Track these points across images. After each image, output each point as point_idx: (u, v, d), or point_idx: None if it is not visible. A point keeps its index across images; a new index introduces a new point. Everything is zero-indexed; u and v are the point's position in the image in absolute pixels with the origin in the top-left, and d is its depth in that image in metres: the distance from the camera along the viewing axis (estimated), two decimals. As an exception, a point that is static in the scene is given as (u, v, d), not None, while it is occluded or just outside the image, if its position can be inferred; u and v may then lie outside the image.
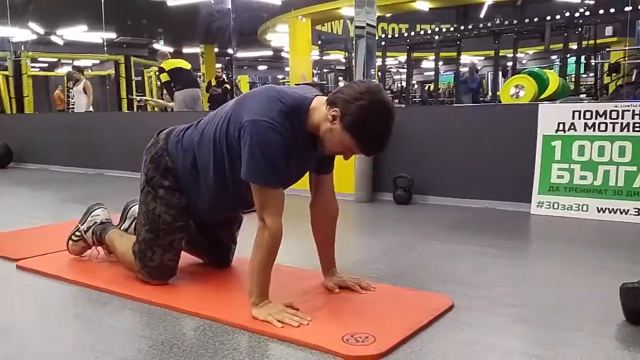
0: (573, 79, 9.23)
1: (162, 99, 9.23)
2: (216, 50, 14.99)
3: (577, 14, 8.12)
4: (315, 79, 10.36)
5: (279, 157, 1.82)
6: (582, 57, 9.03)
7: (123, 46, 15.62)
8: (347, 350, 1.60)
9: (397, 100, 10.43)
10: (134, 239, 2.32)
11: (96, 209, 2.63)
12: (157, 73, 11.36)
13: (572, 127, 3.70)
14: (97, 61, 15.22)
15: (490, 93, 10.96)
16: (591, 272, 2.48)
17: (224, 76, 11.59)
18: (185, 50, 15.48)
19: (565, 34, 8.16)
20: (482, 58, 17.13)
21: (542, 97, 6.41)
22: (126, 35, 15.66)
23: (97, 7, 11.40)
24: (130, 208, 2.60)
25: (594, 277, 2.41)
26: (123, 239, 2.44)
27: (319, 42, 9.84)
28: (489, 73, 14.01)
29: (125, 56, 11.32)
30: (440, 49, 8.93)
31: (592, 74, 10.90)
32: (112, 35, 14.89)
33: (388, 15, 12.36)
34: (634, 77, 9.94)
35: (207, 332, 1.78)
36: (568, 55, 8.75)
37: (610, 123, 3.58)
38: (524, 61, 16.36)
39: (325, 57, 11.37)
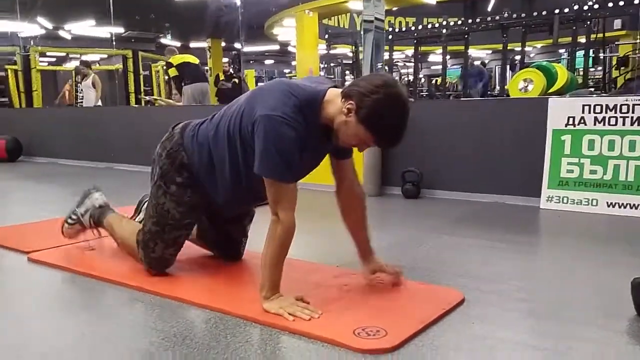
0: (581, 73, 9.16)
1: (171, 93, 9.24)
2: (223, 44, 15.00)
3: (585, 7, 8.06)
4: (322, 74, 10.33)
5: (293, 151, 1.82)
6: (591, 51, 8.96)
7: (131, 41, 15.66)
8: (359, 343, 1.61)
9: (404, 95, 10.35)
10: (134, 224, 2.37)
11: (94, 193, 2.65)
12: (164, 68, 11.39)
13: (582, 121, 3.68)
14: (105, 56, 15.27)
15: (498, 87, 10.92)
16: (601, 267, 2.47)
17: (231, 70, 11.57)
18: (193, 44, 15.46)
19: (574, 27, 8.08)
20: (490, 52, 17.04)
21: (550, 91, 6.38)
22: (134, 29, 15.69)
23: (105, 2, 11.42)
24: (146, 201, 2.61)
25: (604, 271, 2.41)
26: (123, 223, 2.47)
27: (326, 36, 9.82)
28: (497, 67, 13.94)
29: (133, 51, 11.33)
30: (448, 43, 8.87)
31: (600, 68, 10.84)
32: (120, 29, 14.92)
33: (395, 8, 12.31)
34: (640, 71, 9.88)
35: (218, 325, 1.79)
36: (576, 49, 8.67)
37: (621, 117, 3.56)
38: (531, 55, 16.25)
39: (332, 52, 11.36)
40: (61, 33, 15.10)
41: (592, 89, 8.98)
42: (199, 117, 2.27)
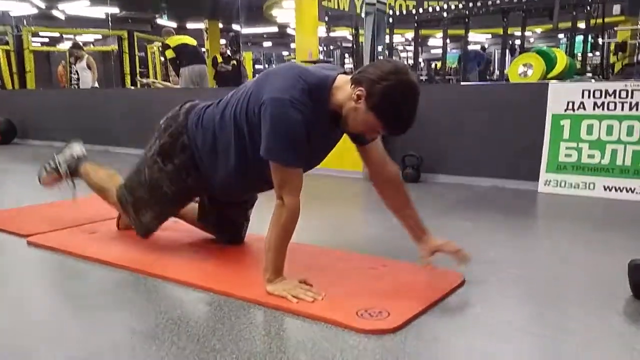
0: (579, 58, 9.16)
1: (167, 75, 9.19)
2: (221, 26, 14.87)
3: (586, -8, 8.03)
4: (321, 57, 10.28)
5: (300, 135, 1.82)
6: (590, 37, 8.94)
7: (128, 21, 15.50)
8: (362, 324, 1.63)
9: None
10: (112, 174, 2.52)
11: (74, 144, 2.70)
12: (160, 49, 11.29)
13: (582, 106, 3.69)
14: (100, 36, 15.14)
15: (497, 72, 10.89)
16: (598, 250, 2.50)
17: (228, 52, 11.47)
18: (190, 25, 15.34)
19: (574, 12, 8.06)
20: (490, 36, 16.97)
21: (549, 76, 6.38)
22: (129, 10, 15.52)
23: (100, -19, 11.30)
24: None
25: (601, 254, 2.44)
26: (100, 173, 2.56)
27: (326, 18, 9.74)
28: (496, 51, 13.90)
29: (128, 31, 11.23)
30: (449, 27, 8.82)
31: (598, 53, 10.83)
32: (116, 10, 14.77)
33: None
34: (637, 57, 9.88)
35: (222, 308, 1.81)
36: (575, 34, 8.65)
37: (620, 102, 3.57)
38: (531, 40, 16.22)
39: (331, 34, 11.29)
40: (55, 13, 14.92)
41: (590, 74, 9.00)
42: (197, 99, 2.27)
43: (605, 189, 3.56)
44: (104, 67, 12.86)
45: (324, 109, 1.87)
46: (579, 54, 9.38)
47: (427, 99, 4.49)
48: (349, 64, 13.30)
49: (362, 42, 10.44)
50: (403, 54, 15.26)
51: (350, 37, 12.71)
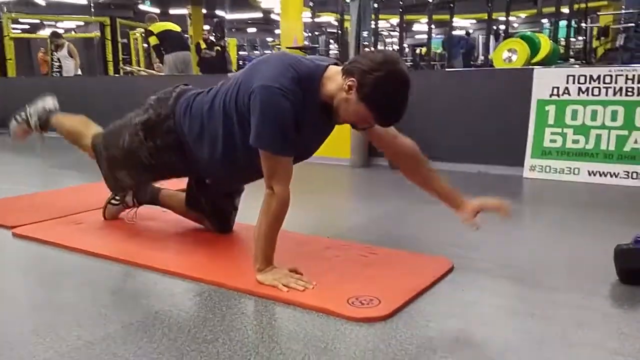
0: (562, 43, 9.21)
1: (150, 62, 9.07)
2: (204, 11, 14.69)
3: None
4: (307, 43, 10.20)
5: (289, 124, 1.81)
6: (573, 21, 9.00)
7: (110, 7, 15.24)
8: (353, 312, 1.64)
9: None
10: (86, 122, 2.57)
11: (47, 97, 2.73)
12: (143, 34, 11.14)
13: (566, 91, 3.72)
14: (81, 23, 14.89)
15: (482, 57, 10.90)
16: (583, 234, 2.54)
17: (211, 38, 11.35)
18: (172, 11, 15.13)
19: (558, -3, 8.12)
20: (474, 21, 16.98)
21: (534, 61, 6.42)
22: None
23: (81, -33, 11.09)
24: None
25: (587, 238, 2.47)
26: (74, 120, 2.60)
27: (311, 3, 9.67)
28: (480, 36, 13.90)
29: (111, 18, 11.05)
30: (433, 12, 8.83)
31: (580, 38, 10.90)
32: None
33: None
34: (620, 41, 9.96)
35: (213, 298, 1.80)
36: (559, 19, 8.70)
37: (604, 88, 3.60)
38: (515, 25, 16.25)
39: (316, 20, 11.20)
40: (34, -1, 14.66)
41: (573, 59, 9.05)
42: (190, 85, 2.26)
43: (589, 174, 3.60)
44: (86, 54, 12.67)
45: (314, 99, 1.87)
46: (562, 39, 9.43)
47: (413, 85, 4.49)
48: (334, 49, 13.23)
49: (347, 28, 10.42)
50: (388, 40, 15.22)
51: (335, 23, 12.66)
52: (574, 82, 3.69)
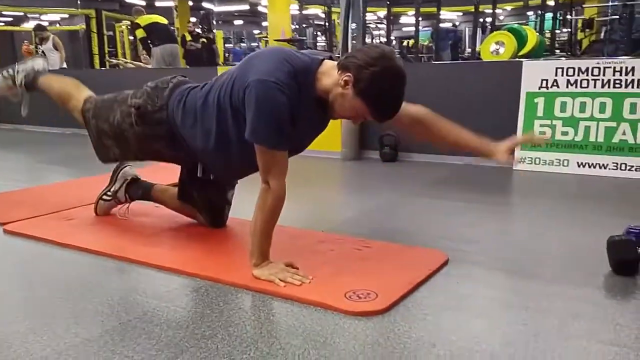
0: (547, 35, 9.27)
1: (137, 55, 8.99)
2: (190, 3, 14.57)
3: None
4: (295, 35, 10.16)
5: (285, 118, 1.80)
6: (555, 13, 9.06)
7: (98, 0, 15.03)
8: (351, 306, 1.64)
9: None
10: (77, 84, 2.54)
11: (39, 59, 2.69)
12: (128, 27, 11.01)
13: (555, 83, 3.74)
14: (66, 15, 14.68)
15: (469, 49, 10.94)
16: (574, 226, 2.56)
17: (197, 30, 11.27)
18: (158, 3, 14.97)
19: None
20: (461, 14, 17.01)
21: (520, 53, 6.45)
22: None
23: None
24: (121, 170, 2.58)
25: (577, 230, 2.50)
26: (65, 80, 2.57)
27: (298, -5, 9.67)
28: (467, 29, 13.95)
29: (96, 10, 10.91)
30: (421, 4, 8.83)
31: (565, 30, 10.97)
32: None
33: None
34: (603, 34, 10.06)
35: (210, 293, 1.80)
36: (545, 11, 8.76)
37: (592, 80, 3.63)
38: (501, 17, 16.31)
39: (304, 12, 11.16)
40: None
41: (559, 51, 9.12)
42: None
43: (579, 165, 3.64)
44: (71, 47, 12.50)
45: (309, 93, 1.86)
46: (546, 31, 9.49)
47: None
48: (321, 42, 13.21)
49: (334, 20, 10.40)
50: (375, 32, 15.23)
51: (322, 15, 12.61)
52: (562, 75, 3.72)
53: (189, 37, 10.55)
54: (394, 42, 13.94)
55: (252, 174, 2.20)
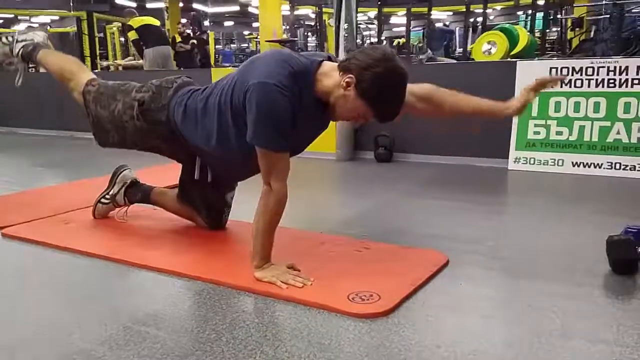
0: (536, 34, 9.32)
1: (132, 55, 8.90)
2: (181, 5, 14.50)
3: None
4: (285, 36, 10.15)
5: (286, 120, 1.81)
6: (545, 13, 9.11)
7: (90, 2, 14.90)
8: (355, 308, 1.64)
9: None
10: (79, 63, 2.56)
11: (40, 31, 2.67)
12: (120, 29, 10.93)
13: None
14: (57, 17, 14.58)
15: (460, 49, 10.97)
16: (571, 225, 2.58)
17: (187, 31, 11.21)
18: (149, 5, 14.90)
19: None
20: (451, 13, 17.07)
21: (512, 53, 6.48)
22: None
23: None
24: (120, 173, 2.57)
25: (574, 229, 2.51)
26: (67, 57, 2.56)
27: (290, -4, 9.67)
28: (457, 29, 14.00)
29: (87, 12, 10.84)
30: (412, 4, 8.87)
31: (554, 30, 11.04)
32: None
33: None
34: (592, 33, 10.13)
35: (212, 296, 1.80)
36: (536, 11, 8.80)
37: (586, 79, 3.66)
38: (491, 17, 16.37)
39: (295, 12, 11.14)
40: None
41: (550, 51, 9.17)
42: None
43: (573, 165, 3.66)
44: (62, 49, 12.38)
45: (309, 94, 1.86)
46: (536, 31, 9.53)
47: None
48: (312, 42, 13.20)
49: (325, 20, 10.42)
50: (366, 32, 15.25)
51: (312, 15, 12.62)
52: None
53: (179, 39, 10.50)
54: (384, 42, 13.98)
55: (250, 177, 2.22)
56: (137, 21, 6.99)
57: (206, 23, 16.70)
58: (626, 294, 1.78)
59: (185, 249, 2.24)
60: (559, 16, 10.25)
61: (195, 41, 10.66)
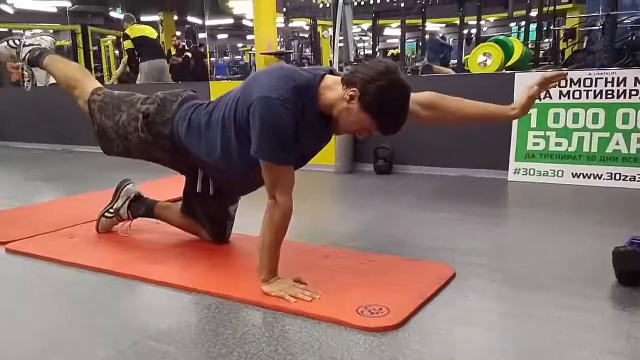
0: (529, 45, 9.40)
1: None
2: (175, 18, 14.58)
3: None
4: (280, 48, 10.19)
5: (289, 133, 1.81)
6: (539, 24, 9.21)
7: (88, 15, 14.87)
8: (365, 322, 1.64)
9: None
10: (86, 72, 2.59)
11: (47, 36, 2.65)
12: (114, 42, 10.90)
13: (548, 94, 3.79)
14: (51, 31, 14.56)
15: (454, 61, 11.05)
16: (572, 236, 2.59)
17: (182, 44, 11.26)
18: (143, 18, 14.89)
19: (528, 1, 8.31)
20: (444, 25, 17.19)
21: (507, 64, 6.53)
22: (80, 3, 14.98)
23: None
24: (124, 187, 2.56)
25: (576, 240, 2.53)
26: (70, 69, 2.53)
27: (284, 9, 9.69)
28: (451, 40, 14.10)
29: (82, 26, 10.85)
30: (406, 17, 8.93)
31: (546, 40, 11.14)
32: (67, 3, 14.21)
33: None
34: (584, 44, 10.23)
35: (221, 310, 1.79)
36: (530, 22, 8.89)
37: (584, 91, 3.68)
38: (484, 29, 16.50)
39: (290, 25, 11.18)
40: (2, 7, 14.25)
41: (545, 62, 9.24)
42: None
43: (573, 176, 3.68)
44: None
45: (312, 108, 1.87)
46: (529, 42, 9.61)
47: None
48: (306, 54, 13.24)
49: (319, 33, 10.46)
50: (360, 44, 15.31)
51: (306, 27, 12.67)
52: (555, 86, 3.76)
53: (174, 51, 10.55)
54: (378, 54, 14.06)
55: (252, 192, 2.23)
56: (135, 31, 6.96)
57: (203, 35, 16.75)
58: (633, 305, 1.78)
59: (191, 263, 2.23)
60: (552, 27, 10.35)
61: (189, 54, 10.71)
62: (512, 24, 15.55)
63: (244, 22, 17.23)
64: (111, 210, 2.56)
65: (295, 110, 1.81)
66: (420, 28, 9.78)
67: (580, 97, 3.69)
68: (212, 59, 21.48)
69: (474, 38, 9.22)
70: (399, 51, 10.68)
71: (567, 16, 11.63)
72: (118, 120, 2.26)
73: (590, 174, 3.63)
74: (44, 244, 2.48)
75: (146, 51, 6.95)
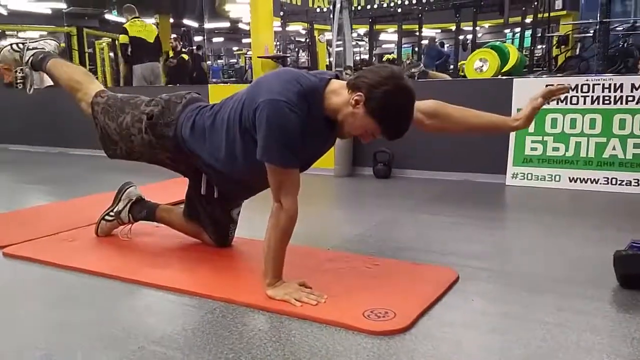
0: (524, 52, 9.48)
1: (118, 73, 8.86)
2: (171, 21, 14.57)
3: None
4: (277, 52, 10.20)
5: (296, 137, 1.81)
6: (534, 31, 9.29)
7: (84, 18, 14.84)
8: (371, 326, 1.64)
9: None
10: (88, 74, 2.55)
11: (51, 41, 2.65)
12: (109, 44, 10.86)
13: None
14: (45, 33, 14.50)
15: (451, 66, 11.09)
16: (571, 239, 2.61)
17: (180, 47, 11.27)
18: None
19: (524, 8, 8.39)
20: (439, 31, 17.27)
21: (503, 70, 6.58)
22: (76, 5, 14.95)
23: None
24: (125, 190, 2.55)
25: (575, 243, 2.54)
26: (76, 67, 2.54)
27: (281, 13, 9.70)
28: (447, 46, 14.18)
29: (77, 28, 10.81)
30: (402, 22, 8.97)
31: (539, 46, 11.24)
32: (62, 5, 14.17)
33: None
34: (578, 50, 10.32)
35: (226, 315, 1.78)
36: (525, 29, 8.96)
37: (582, 96, 3.71)
38: (479, 35, 16.61)
39: (287, 29, 11.21)
40: (-4, 9, 14.22)
41: (540, 68, 9.31)
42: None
43: (570, 181, 3.70)
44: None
45: (318, 112, 1.88)
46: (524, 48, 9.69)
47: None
48: (303, 57, 13.27)
49: (316, 37, 10.48)
50: (355, 49, 15.36)
51: (303, 32, 12.69)
52: (558, 98, 3.78)
53: (172, 54, 10.55)
54: (374, 58, 14.11)
55: (255, 195, 2.23)
56: (134, 29, 6.90)
57: (199, 38, 16.74)
58: (637, 308, 1.79)
59: (193, 267, 2.22)
60: (546, 34, 10.43)
61: (186, 56, 10.70)
62: (507, 30, 15.64)
63: (241, 25, 17.24)
64: (112, 214, 2.54)
65: (301, 113, 1.82)
66: (417, 34, 9.84)
67: (577, 103, 3.72)
68: (208, 62, 21.52)
69: (469, 44, 9.28)
70: (394, 56, 10.73)
71: (561, 23, 11.75)
72: (122, 122, 2.25)
73: (587, 179, 3.65)
74: (42, 248, 2.45)
75: (140, 54, 6.91)
